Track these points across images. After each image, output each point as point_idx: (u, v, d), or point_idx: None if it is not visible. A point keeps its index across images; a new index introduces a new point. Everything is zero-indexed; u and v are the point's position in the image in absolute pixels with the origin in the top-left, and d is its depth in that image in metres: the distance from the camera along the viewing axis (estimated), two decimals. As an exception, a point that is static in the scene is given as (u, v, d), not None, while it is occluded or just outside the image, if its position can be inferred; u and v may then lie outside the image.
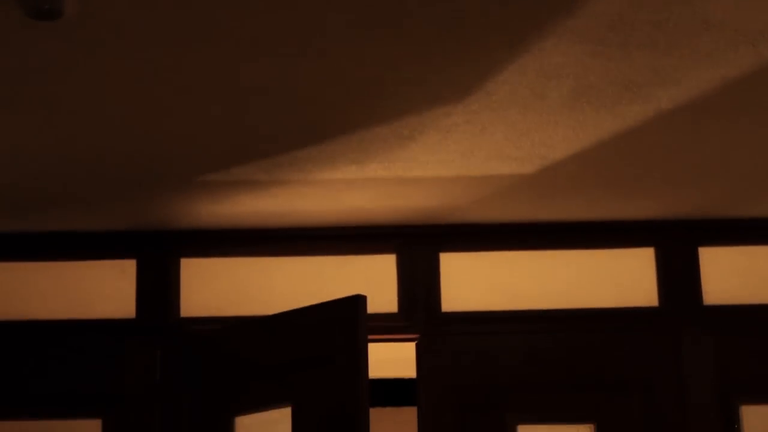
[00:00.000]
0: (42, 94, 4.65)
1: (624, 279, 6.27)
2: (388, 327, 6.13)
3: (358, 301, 5.18)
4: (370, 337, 5.18)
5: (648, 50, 4.37)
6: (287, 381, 5.75)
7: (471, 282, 6.27)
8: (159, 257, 6.26)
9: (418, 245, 6.26)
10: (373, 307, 6.07)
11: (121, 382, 6.08)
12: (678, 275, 6.25)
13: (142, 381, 6.07)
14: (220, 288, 6.25)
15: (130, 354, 6.11)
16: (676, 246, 6.28)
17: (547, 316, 6.19)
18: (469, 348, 6.12)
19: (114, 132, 5.04)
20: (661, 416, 6.07)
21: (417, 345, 6.15)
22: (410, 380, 6.44)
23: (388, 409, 8.56)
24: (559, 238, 6.28)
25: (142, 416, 6.04)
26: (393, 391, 8.56)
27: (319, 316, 5.35)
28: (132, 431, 6.04)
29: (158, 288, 6.21)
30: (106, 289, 6.22)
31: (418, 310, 6.20)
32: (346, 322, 5.20)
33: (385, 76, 4.58)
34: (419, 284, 6.23)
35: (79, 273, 6.24)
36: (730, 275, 6.25)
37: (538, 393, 6.14)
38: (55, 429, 6.08)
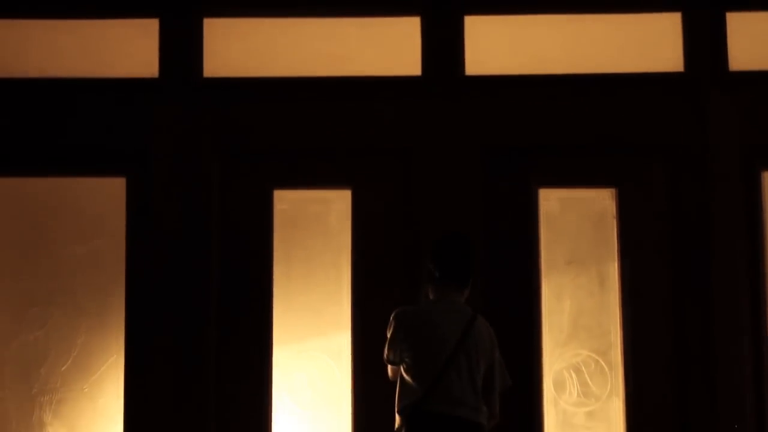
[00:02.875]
0: None
1: (650, 44, 6.20)
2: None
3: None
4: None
5: None
6: (347, 164, 5.83)
7: (495, 45, 6.20)
8: (182, 17, 6.19)
9: (442, 7, 6.18)
10: (396, 69, 6.07)
11: (145, 141, 6.08)
12: (704, 40, 6.17)
13: (166, 142, 6.08)
14: (243, 48, 6.20)
15: (153, 113, 6.09)
16: (704, 10, 6.19)
17: (572, 80, 6.15)
18: (492, 111, 6.10)
19: None
20: (683, 183, 6.08)
21: (440, 108, 6.13)
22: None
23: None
24: (585, 1, 6.20)
25: (165, 177, 6.05)
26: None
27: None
28: (156, 190, 6.06)
29: (181, 47, 6.17)
30: (129, 48, 6.18)
31: (442, 73, 6.15)
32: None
33: None
34: (443, 48, 6.17)
35: (102, 32, 6.19)
36: (757, 41, 6.18)
37: (561, 157, 6.16)
38: (82, 186, 6.13)
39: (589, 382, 6.09)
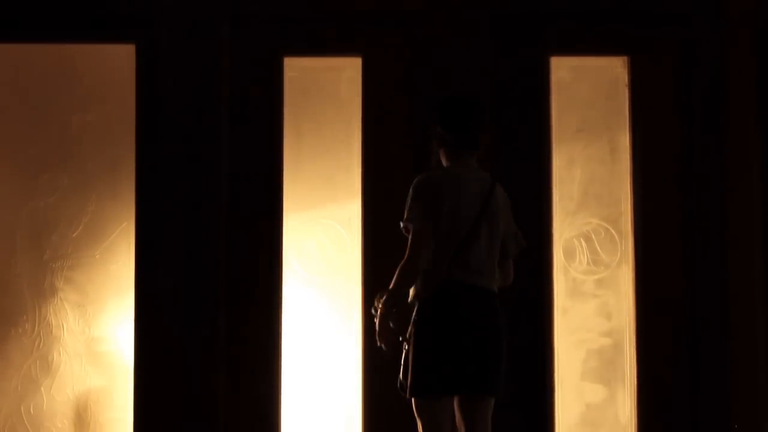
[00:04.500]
0: None
1: None
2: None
3: None
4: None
5: None
6: (358, 30, 5.79)
7: None
8: None
9: None
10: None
11: (155, 7, 6.03)
12: None
13: (176, 7, 6.03)
14: None
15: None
16: None
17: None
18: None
19: None
20: (696, 53, 6.04)
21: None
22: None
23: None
24: None
25: (175, 43, 6.02)
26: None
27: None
28: (165, 57, 6.02)
29: None
30: None
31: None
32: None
33: None
34: None
35: None
36: None
37: (573, 24, 6.11)
38: (92, 53, 6.11)
39: (599, 250, 6.10)
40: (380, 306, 4.78)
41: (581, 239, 6.11)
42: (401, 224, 4.83)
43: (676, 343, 5.98)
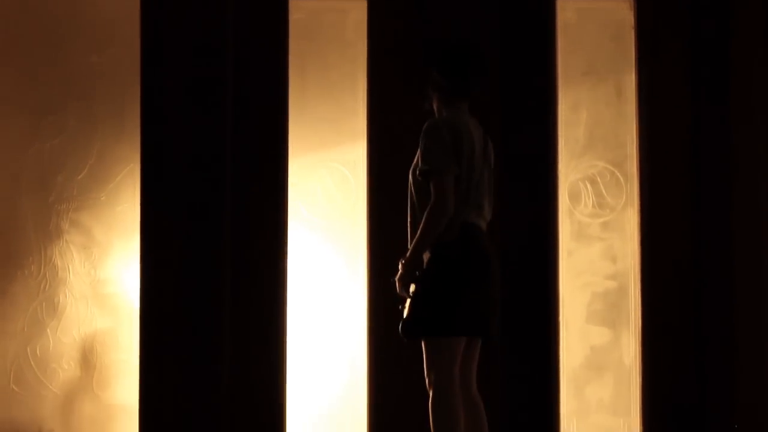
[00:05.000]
0: None
1: None
2: None
3: None
4: None
5: None
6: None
7: None
8: None
9: None
10: None
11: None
12: None
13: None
14: None
15: None
16: None
17: None
18: None
19: None
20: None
21: None
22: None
23: None
24: None
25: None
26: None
27: None
28: (171, -1, 6.02)
29: None
30: None
31: None
32: None
33: None
34: None
35: None
36: None
37: (580, -34, 6.10)
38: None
39: (605, 193, 6.10)
40: (411, 250, 4.77)
41: (587, 182, 6.11)
42: (419, 171, 4.78)
43: (680, 285, 5.99)
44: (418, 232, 4.76)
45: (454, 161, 4.74)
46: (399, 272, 4.78)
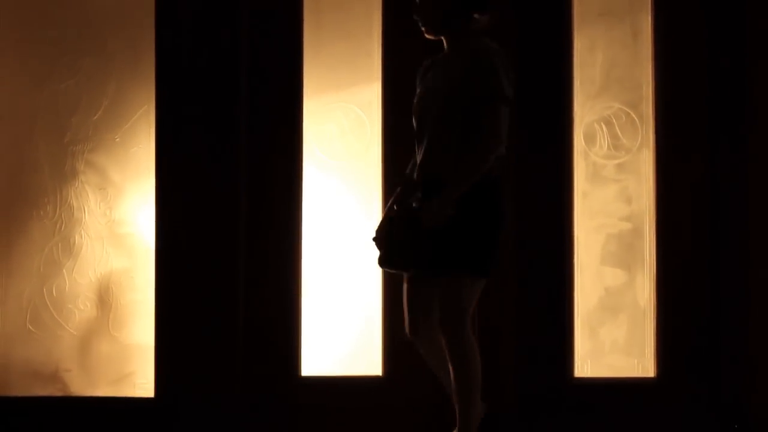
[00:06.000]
0: None
1: None
2: None
3: None
4: None
5: None
6: None
7: None
8: None
9: None
10: None
11: None
12: None
13: None
14: None
15: None
16: None
17: None
18: None
19: None
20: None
21: None
22: None
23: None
24: None
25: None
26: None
27: None
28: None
29: None
30: None
31: None
32: None
33: None
34: None
35: None
36: None
37: None
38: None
39: (620, 135, 6.08)
40: (460, 180, 4.75)
41: (602, 123, 6.09)
42: (492, 101, 4.74)
43: (695, 226, 5.99)
44: (469, 162, 4.73)
45: (508, 88, 4.76)
46: (435, 202, 4.71)
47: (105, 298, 6.08)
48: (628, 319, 6.06)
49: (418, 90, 5.03)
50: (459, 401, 4.95)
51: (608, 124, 6.08)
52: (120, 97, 6.11)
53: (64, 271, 6.08)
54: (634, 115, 6.08)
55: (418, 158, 4.94)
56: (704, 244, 5.97)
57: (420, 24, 4.97)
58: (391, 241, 4.88)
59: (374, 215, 5.99)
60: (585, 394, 5.97)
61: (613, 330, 6.06)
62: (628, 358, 6.04)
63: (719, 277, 5.96)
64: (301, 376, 6.01)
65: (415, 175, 4.95)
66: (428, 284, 4.90)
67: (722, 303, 5.94)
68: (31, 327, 6.06)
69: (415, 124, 4.97)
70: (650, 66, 6.05)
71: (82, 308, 6.08)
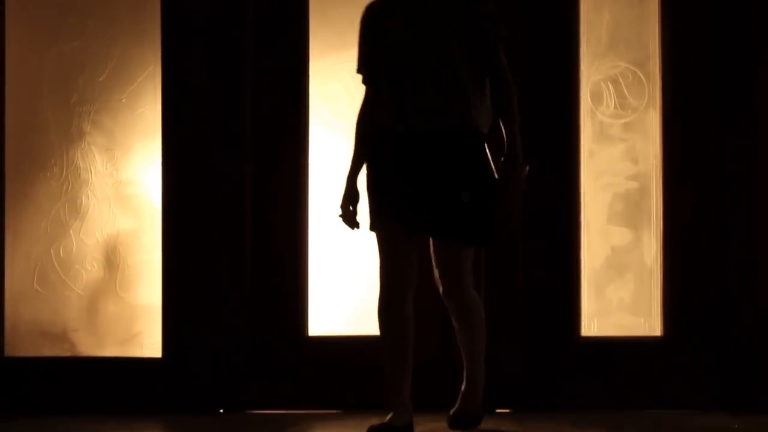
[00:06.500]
0: None
1: None
2: None
3: None
4: None
5: None
6: None
7: None
8: None
9: None
10: None
11: None
12: None
13: None
14: None
15: None
16: None
17: None
18: None
19: None
20: None
21: None
22: None
23: None
24: None
25: None
26: None
27: None
28: None
29: None
30: None
31: None
32: None
33: None
34: None
35: None
36: None
37: None
38: None
39: (627, 94, 6.07)
40: (518, 134, 4.80)
41: (609, 82, 6.08)
42: (500, 44, 4.82)
43: (702, 186, 5.98)
44: (509, 112, 4.82)
45: None
46: (514, 164, 4.81)
47: (112, 258, 6.09)
48: (634, 278, 6.06)
49: (385, 37, 4.91)
50: (477, 360, 5.13)
51: (615, 83, 6.07)
52: (126, 58, 6.11)
53: (71, 231, 6.10)
54: (640, 74, 6.07)
55: (408, 109, 4.86)
56: (710, 203, 5.97)
57: None
58: (419, 204, 4.88)
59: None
60: (592, 353, 5.97)
61: (619, 289, 6.06)
62: (635, 317, 6.05)
63: (726, 236, 5.95)
64: (308, 335, 6.02)
65: (402, 128, 4.89)
66: (414, 247, 4.94)
67: (728, 262, 5.94)
68: (38, 288, 6.08)
69: (389, 74, 4.89)
70: (657, 25, 6.03)
71: (89, 269, 6.09)
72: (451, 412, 5.31)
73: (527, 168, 4.88)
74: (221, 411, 5.94)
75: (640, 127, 6.07)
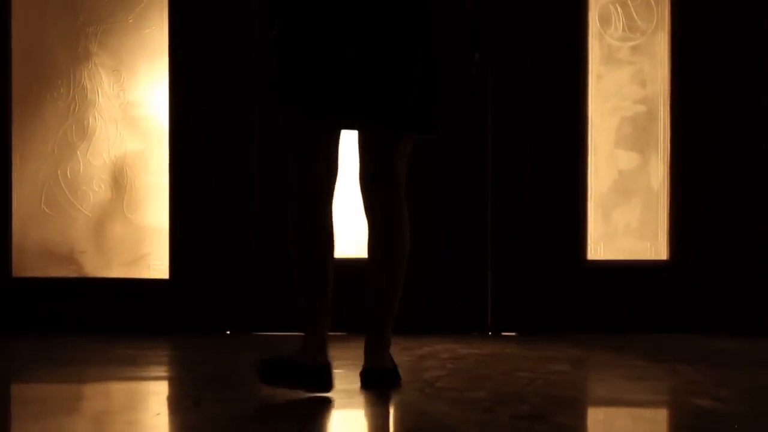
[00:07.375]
0: None
1: None
2: None
3: None
4: None
5: None
6: None
7: None
8: None
9: None
10: None
11: None
12: None
13: None
14: None
15: None
16: None
17: None
18: None
19: None
20: None
21: None
22: None
23: None
24: None
25: None
26: None
27: None
28: None
29: None
30: None
31: None
32: None
33: None
34: None
35: None
36: None
37: None
38: None
39: (635, 17, 6.04)
40: None
41: (617, 5, 6.04)
42: None
43: (709, 109, 5.97)
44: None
45: None
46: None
47: (119, 180, 6.10)
48: (641, 202, 6.06)
49: None
50: (398, 288, 4.23)
51: (623, 5, 6.04)
52: (133, -22, 6.09)
53: (78, 152, 6.10)
54: (649, -4, 6.04)
55: None
56: (717, 127, 5.95)
57: None
58: (351, 85, 3.87)
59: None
60: (598, 277, 5.98)
61: (626, 213, 6.06)
62: (641, 241, 6.05)
63: (732, 159, 5.94)
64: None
65: None
66: (336, 144, 4.10)
67: (735, 185, 5.94)
68: (45, 208, 6.09)
69: None
70: (666, -53, 6.00)
71: (97, 190, 6.10)
72: (360, 370, 4.24)
73: (477, 55, 4.09)
74: (227, 332, 5.97)
75: (648, 50, 6.05)
